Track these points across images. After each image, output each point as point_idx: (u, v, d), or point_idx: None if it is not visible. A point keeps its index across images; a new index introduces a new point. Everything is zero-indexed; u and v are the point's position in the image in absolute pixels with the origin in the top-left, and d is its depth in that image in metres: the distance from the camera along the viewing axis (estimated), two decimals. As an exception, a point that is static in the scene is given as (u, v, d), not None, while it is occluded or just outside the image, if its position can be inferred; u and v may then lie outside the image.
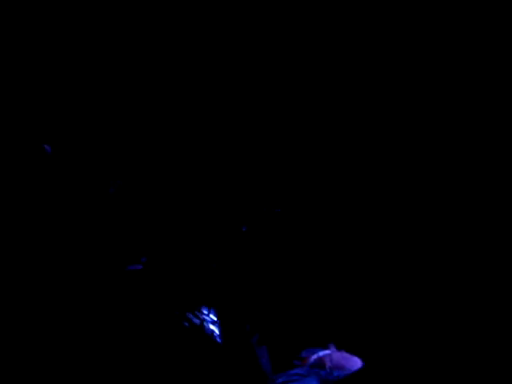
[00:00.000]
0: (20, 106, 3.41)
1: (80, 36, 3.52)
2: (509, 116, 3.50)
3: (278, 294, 3.39)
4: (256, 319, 2.95)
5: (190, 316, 2.64)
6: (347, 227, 3.63)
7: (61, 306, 2.70)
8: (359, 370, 2.92)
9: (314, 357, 2.99)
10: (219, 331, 2.67)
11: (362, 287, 3.54)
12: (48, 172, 3.25)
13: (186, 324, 2.57)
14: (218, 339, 2.64)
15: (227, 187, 3.61)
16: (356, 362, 2.99)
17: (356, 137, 3.65)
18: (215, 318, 2.72)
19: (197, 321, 2.62)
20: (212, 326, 2.67)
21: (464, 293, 3.45)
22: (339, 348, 3.13)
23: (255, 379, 2.62)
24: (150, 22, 3.58)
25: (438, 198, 3.58)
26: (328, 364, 2.95)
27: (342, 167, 3.66)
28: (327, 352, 3.04)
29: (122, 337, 2.51)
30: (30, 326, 2.66)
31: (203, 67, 3.65)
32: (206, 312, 2.70)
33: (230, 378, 2.58)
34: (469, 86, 3.54)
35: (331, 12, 3.58)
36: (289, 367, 3.00)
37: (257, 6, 3.59)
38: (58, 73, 3.51)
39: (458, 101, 3.56)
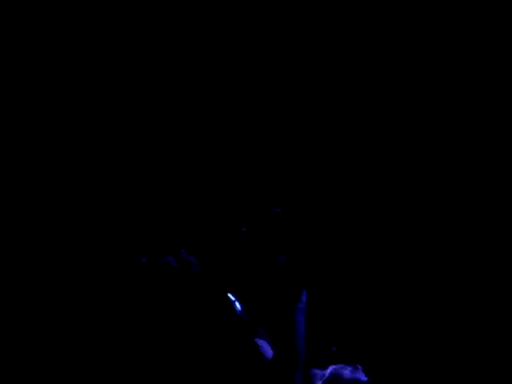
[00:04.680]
0: (20, 108, 3.41)
1: (80, 36, 3.52)
2: (509, 116, 3.51)
3: (278, 294, 3.39)
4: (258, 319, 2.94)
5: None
6: (347, 227, 3.63)
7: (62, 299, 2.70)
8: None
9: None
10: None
11: (363, 287, 3.54)
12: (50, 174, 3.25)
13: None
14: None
15: (227, 187, 3.61)
16: None
17: (356, 137, 3.65)
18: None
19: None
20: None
21: (464, 293, 3.45)
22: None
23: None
24: (150, 22, 3.58)
25: (437, 198, 3.58)
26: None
27: (342, 167, 3.66)
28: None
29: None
30: (29, 324, 2.66)
31: (203, 67, 3.65)
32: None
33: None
34: (469, 86, 3.54)
35: (331, 12, 3.58)
36: None
37: (257, 6, 3.59)
38: (58, 73, 3.51)
39: (458, 101, 3.56)
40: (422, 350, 3.37)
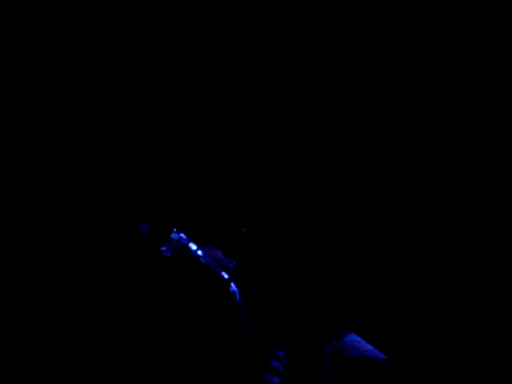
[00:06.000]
0: (20, 107, 3.41)
1: (80, 36, 3.53)
2: (509, 116, 3.51)
3: (279, 294, 3.40)
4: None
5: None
6: (347, 227, 3.63)
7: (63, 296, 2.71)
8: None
9: None
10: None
11: (363, 287, 3.55)
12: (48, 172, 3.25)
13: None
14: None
15: (227, 187, 3.62)
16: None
17: (356, 137, 3.66)
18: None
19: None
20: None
21: (464, 293, 3.46)
22: None
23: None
24: (150, 22, 3.59)
25: (437, 199, 3.58)
26: None
27: (342, 167, 3.66)
28: None
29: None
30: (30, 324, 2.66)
31: (203, 67, 3.66)
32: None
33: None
34: (469, 86, 3.55)
35: (331, 12, 3.59)
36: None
37: (257, 6, 3.59)
38: (58, 73, 3.51)
39: (458, 101, 3.56)
40: (423, 350, 3.37)
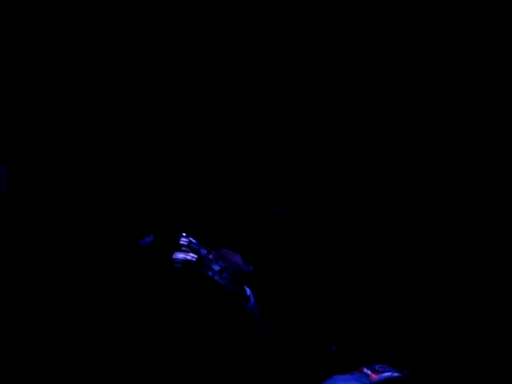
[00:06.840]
0: (20, 106, 3.41)
1: (80, 36, 3.52)
2: (509, 116, 3.51)
3: (280, 294, 3.40)
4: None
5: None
6: (347, 227, 3.63)
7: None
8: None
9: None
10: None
11: (363, 287, 3.55)
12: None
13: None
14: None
15: (228, 187, 3.61)
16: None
17: (356, 137, 3.65)
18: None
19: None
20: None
21: (464, 293, 3.46)
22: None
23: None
24: (150, 22, 3.58)
25: (437, 198, 3.58)
26: None
27: (341, 167, 3.66)
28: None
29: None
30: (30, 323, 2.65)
31: (203, 67, 3.65)
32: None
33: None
34: (469, 86, 3.54)
35: (331, 12, 3.58)
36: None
37: (257, 6, 3.59)
38: (58, 72, 3.51)
39: (458, 101, 3.56)
40: (423, 350, 3.37)
